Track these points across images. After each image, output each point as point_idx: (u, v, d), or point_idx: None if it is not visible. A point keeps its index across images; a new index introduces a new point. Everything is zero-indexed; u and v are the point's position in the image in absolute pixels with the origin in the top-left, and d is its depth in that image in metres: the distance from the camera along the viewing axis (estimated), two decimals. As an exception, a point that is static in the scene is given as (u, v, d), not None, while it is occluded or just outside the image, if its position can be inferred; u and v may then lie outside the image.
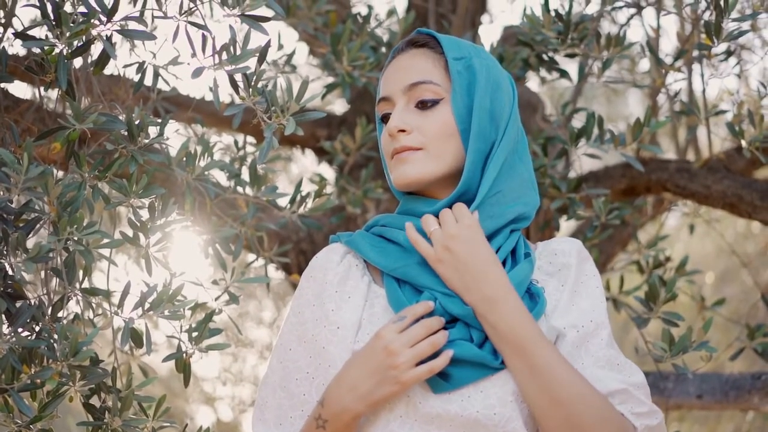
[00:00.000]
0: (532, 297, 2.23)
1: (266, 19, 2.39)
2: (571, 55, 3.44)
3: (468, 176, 2.24)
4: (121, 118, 2.55)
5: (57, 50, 2.37)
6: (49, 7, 2.33)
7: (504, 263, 2.24)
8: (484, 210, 2.24)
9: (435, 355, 2.12)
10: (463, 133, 2.26)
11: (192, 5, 2.44)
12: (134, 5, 2.58)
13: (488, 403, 2.12)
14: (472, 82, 2.27)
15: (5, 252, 2.31)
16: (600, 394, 2.13)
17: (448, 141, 2.26)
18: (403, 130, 2.26)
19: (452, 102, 2.26)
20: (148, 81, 3.03)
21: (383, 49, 3.71)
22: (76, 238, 2.31)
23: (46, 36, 2.37)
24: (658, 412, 2.22)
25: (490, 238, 2.25)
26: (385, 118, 2.34)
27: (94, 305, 2.68)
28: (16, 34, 2.43)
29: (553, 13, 3.28)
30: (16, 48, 3.27)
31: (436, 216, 2.25)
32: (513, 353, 2.12)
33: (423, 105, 2.27)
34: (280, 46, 3.83)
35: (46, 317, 2.47)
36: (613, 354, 2.23)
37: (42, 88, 3.06)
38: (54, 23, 2.33)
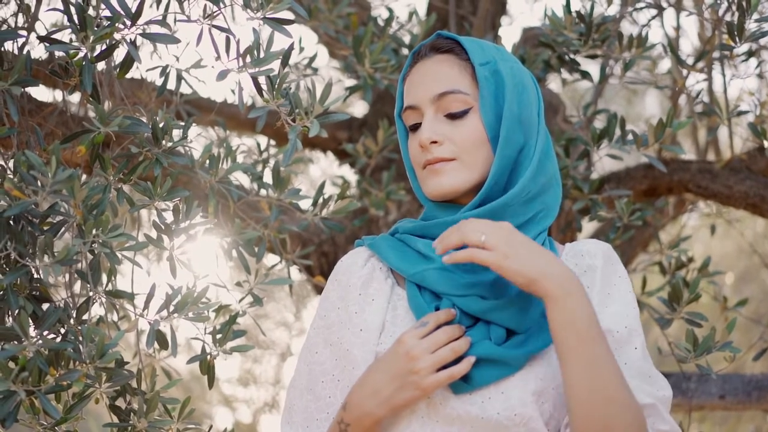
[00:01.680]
0: None
1: (289, 22, 2.40)
2: (592, 56, 3.44)
3: (491, 183, 2.23)
4: (143, 120, 2.55)
5: (81, 54, 2.38)
6: (73, 11, 2.34)
7: None
8: (510, 210, 2.24)
9: (457, 362, 2.12)
10: (493, 140, 2.25)
11: (215, 9, 2.44)
12: (157, 9, 2.59)
13: (509, 405, 2.12)
14: (500, 88, 2.26)
15: (32, 254, 2.32)
16: (638, 404, 2.12)
17: (480, 149, 2.25)
18: (435, 141, 2.25)
19: (481, 110, 2.25)
20: (171, 84, 3.05)
21: (404, 51, 3.72)
22: (101, 241, 2.31)
23: (70, 40, 2.38)
24: (678, 430, 2.22)
25: None
26: (414, 127, 2.32)
27: (117, 308, 2.69)
28: (41, 38, 2.44)
29: (574, 15, 3.28)
30: (39, 52, 3.29)
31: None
32: (579, 341, 2.07)
33: (452, 116, 2.26)
34: (301, 49, 3.84)
35: (72, 320, 2.48)
36: (647, 366, 2.21)
37: (65, 92, 3.07)
38: (78, 27, 2.34)
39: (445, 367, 2.11)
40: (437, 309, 2.18)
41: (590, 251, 2.30)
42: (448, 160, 2.25)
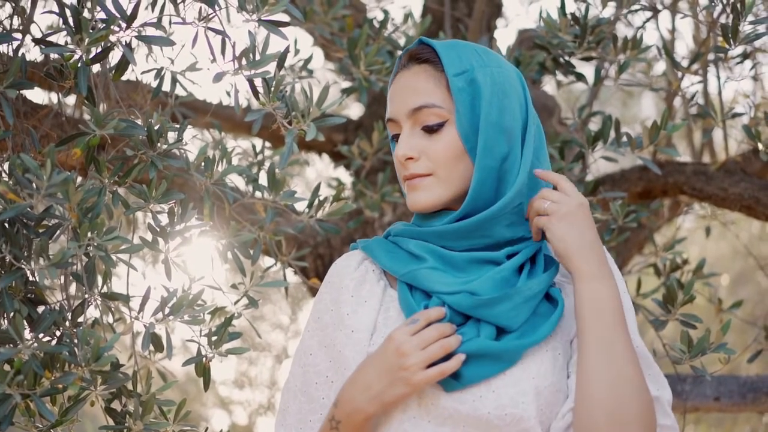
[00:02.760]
0: (550, 300, 2.22)
1: (285, 24, 2.40)
2: (587, 59, 3.44)
3: (474, 195, 2.22)
4: (138, 122, 2.55)
5: (76, 56, 2.38)
6: (69, 14, 2.34)
7: (521, 269, 2.24)
8: (505, 218, 2.24)
9: (447, 359, 2.12)
10: (471, 152, 2.23)
11: (210, 11, 2.44)
12: (152, 11, 2.59)
13: (500, 404, 2.12)
14: (476, 97, 2.23)
15: (27, 257, 2.32)
16: (650, 392, 2.14)
17: (457, 163, 2.24)
18: (410, 158, 2.24)
19: (456, 122, 2.23)
20: (166, 87, 3.05)
21: (400, 54, 3.72)
22: (96, 244, 2.32)
23: (66, 42, 2.38)
24: (677, 429, 2.24)
25: (508, 243, 2.26)
26: (396, 137, 2.32)
27: (113, 310, 2.69)
28: (36, 41, 2.44)
29: (569, 17, 3.28)
30: (34, 54, 3.29)
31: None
32: (600, 323, 2.12)
33: (428, 129, 2.24)
34: (297, 51, 3.84)
35: (67, 322, 2.48)
36: (651, 364, 2.25)
37: (61, 94, 3.07)
38: (73, 29, 2.34)
39: (435, 364, 2.11)
40: (426, 308, 2.18)
41: None
42: (424, 175, 2.25)
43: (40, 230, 2.39)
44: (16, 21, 2.77)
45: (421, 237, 2.29)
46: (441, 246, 2.26)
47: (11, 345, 2.25)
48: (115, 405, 2.63)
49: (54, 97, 3.49)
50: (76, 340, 2.42)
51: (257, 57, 2.38)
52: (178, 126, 2.65)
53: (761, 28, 3.05)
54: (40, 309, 2.44)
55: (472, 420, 2.12)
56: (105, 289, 2.53)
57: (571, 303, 2.24)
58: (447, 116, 2.23)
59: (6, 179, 2.25)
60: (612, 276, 2.16)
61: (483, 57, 2.29)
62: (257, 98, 2.38)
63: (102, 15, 2.37)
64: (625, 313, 2.21)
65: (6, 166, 2.54)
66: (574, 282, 2.16)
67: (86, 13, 2.38)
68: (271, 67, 2.38)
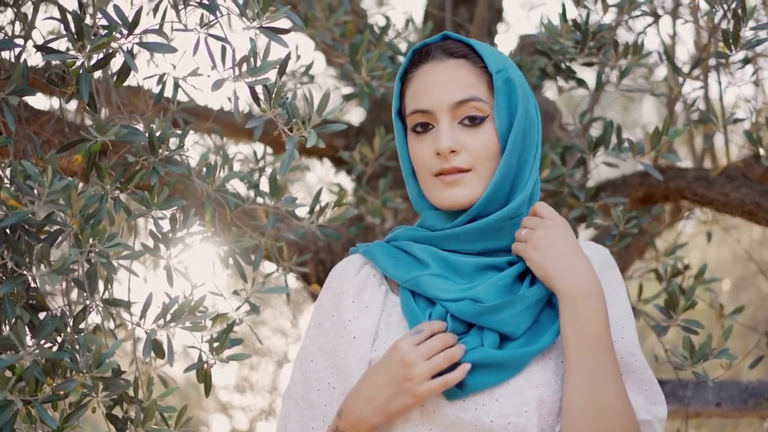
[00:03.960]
0: (552, 306, 2.21)
1: (286, 31, 2.40)
2: (588, 64, 3.44)
3: (490, 195, 2.22)
4: (139, 128, 2.55)
5: (78, 63, 2.38)
6: (70, 20, 2.34)
7: (523, 276, 2.24)
8: (516, 223, 2.25)
9: (452, 369, 2.12)
10: (502, 150, 2.24)
11: (211, 18, 2.44)
12: (154, 17, 2.59)
13: (503, 413, 2.11)
14: (513, 97, 2.24)
15: (28, 264, 2.32)
16: (636, 421, 2.13)
17: (492, 160, 2.23)
18: (454, 151, 2.21)
19: (496, 118, 2.23)
20: (168, 93, 3.05)
21: (401, 59, 3.72)
22: (98, 250, 2.31)
23: (67, 48, 2.38)
24: None
25: (508, 250, 2.26)
26: (421, 130, 2.27)
27: (114, 316, 2.69)
28: (38, 47, 2.44)
29: (570, 22, 3.28)
30: (36, 60, 3.29)
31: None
32: (583, 347, 2.10)
33: (471, 121, 2.22)
34: (298, 57, 3.84)
35: (69, 329, 2.48)
36: (648, 378, 2.23)
37: (62, 101, 3.07)
38: (75, 36, 2.34)
39: (440, 374, 2.11)
40: (430, 315, 2.18)
41: (589, 256, 2.27)
42: (465, 170, 2.22)
43: (42, 236, 2.39)
44: (17, 27, 2.77)
45: (429, 240, 2.28)
46: (452, 249, 2.25)
47: (13, 351, 2.25)
48: (117, 411, 2.63)
49: (55, 103, 3.49)
50: (77, 347, 2.42)
51: (258, 64, 2.38)
52: (179, 132, 2.65)
53: (762, 34, 3.05)
54: (42, 315, 2.44)
55: (475, 428, 2.12)
56: (106, 296, 2.53)
57: None
58: (488, 112, 2.23)
59: (7, 185, 2.25)
60: (596, 296, 2.13)
61: (509, 59, 2.31)
62: (258, 105, 2.38)
63: (104, 21, 2.37)
64: (624, 321, 2.21)
65: (8, 172, 2.54)
66: (559, 304, 2.15)
67: (88, 20, 2.38)
68: (272, 74, 2.38)
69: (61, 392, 2.30)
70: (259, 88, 2.37)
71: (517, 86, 2.25)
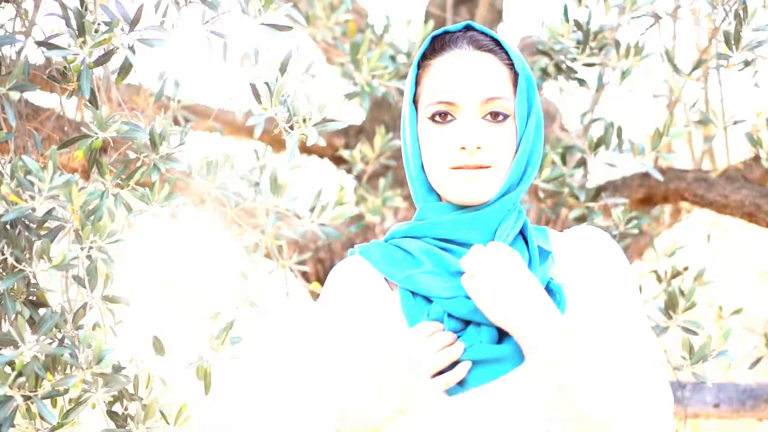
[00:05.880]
0: (551, 294, 2.17)
1: (287, 29, 2.40)
2: (589, 64, 3.44)
3: (503, 195, 2.21)
4: (140, 125, 2.55)
5: (79, 59, 2.38)
6: (72, 17, 2.34)
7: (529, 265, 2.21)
8: (510, 213, 2.24)
9: (452, 367, 2.12)
10: (517, 148, 2.22)
11: (213, 15, 2.44)
12: (156, 13, 2.59)
13: (503, 406, 2.12)
14: (531, 96, 2.23)
15: (29, 259, 2.32)
16: (636, 379, 2.07)
17: (511, 158, 2.22)
18: (479, 147, 2.17)
19: (518, 118, 2.21)
20: (168, 90, 3.05)
21: (402, 59, 3.72)
22: (98, 246, 2.31)
23: (68, 45, 2.38)
24: None
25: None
26: (440, 119, 2.21)
27: (113, 313, 2.69)
28: (39, 43, 2.44)
29: (572, 23, 3.28)
30: (37, 56, 3.28)
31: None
32: (548, 389, 2.07)
33: (494, 118, 2.19)
34: (299, 56, 3.84)
35: (68, 325, 2.48)
36: (650, 373, 2.20)
37: (63, 97, 3.07)
38: (76, 32, 2.34)
39: (440, 372, 2.11)
40: (428, 314, 2.18)
41: (582, 238, 2.25)
42: (486, 167, 2.19)
43: (42, 232, 2.39)
44: (18, 23, 2.77)
45: (421, 236, 2.27)
46: (444, 238, 2.25)
47: (13, 347, 2.25)
48: (117, 408, 2.63)
49: (56, 99, 3.49)
50: (77, 343, 2.42)
51: (259, 61, 2.38)
52: (180, 129, 2.64)
53: (763, 35, 3.05)
54: (42, 311, 2.44)
55: (476, 423, 2.12)
56: (106, 292, 2.53)
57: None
58: (511, 111, 2.20)
59: (8, 181, 2.25)
60: (551, 338, 2.06)
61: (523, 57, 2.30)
62: (259, 103, 2.38)
63: (105, 18, 2.37)
64: (635, 310, 2.17)
65: (8, 168, 2.54)
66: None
67: (89, 16, 2.38)
68: (274, 71, 2.38)
69: (61, 388, 2.30)
70: (260, 86, 2.37)
71: (535, 87, 2.24)
